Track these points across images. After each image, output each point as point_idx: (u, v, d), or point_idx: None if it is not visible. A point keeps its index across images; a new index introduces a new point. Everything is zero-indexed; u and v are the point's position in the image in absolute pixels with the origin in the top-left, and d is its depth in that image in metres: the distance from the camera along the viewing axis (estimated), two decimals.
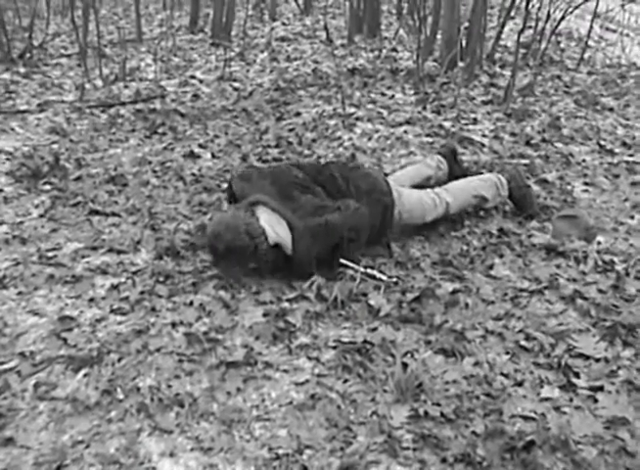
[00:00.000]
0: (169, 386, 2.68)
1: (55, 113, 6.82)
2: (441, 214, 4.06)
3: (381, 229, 3.84)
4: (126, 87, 8.01)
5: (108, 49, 10.25)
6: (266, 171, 3.82)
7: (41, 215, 4.28)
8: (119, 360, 2.85)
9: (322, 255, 3.51)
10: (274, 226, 3.43)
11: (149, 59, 9.61)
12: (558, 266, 3.66)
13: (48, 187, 4.73)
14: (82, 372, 2.77)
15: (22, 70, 8.69)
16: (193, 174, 5.04)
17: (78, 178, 4.91)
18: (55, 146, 5.70)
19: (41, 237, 3.98)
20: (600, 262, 3.68)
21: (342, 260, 3.57)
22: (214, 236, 3.40)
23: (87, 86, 7.89)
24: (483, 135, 5.96)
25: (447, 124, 6.24)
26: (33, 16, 9.41)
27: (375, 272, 3.52)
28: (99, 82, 8.17)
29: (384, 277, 3.49)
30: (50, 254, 3.77)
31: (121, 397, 2.63)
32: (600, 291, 3.40)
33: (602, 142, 5.89)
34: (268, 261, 3.47)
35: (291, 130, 6.12)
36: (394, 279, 3.49)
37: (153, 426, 2.48)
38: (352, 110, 6.65)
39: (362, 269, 3.52)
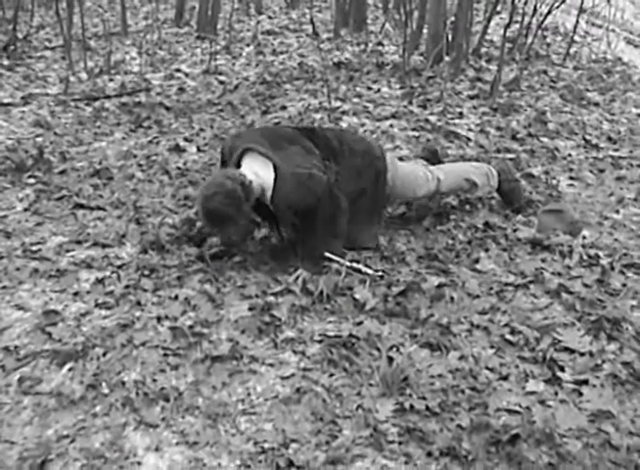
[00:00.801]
0: (154, 380, 2.67)
1: (39, 106, 6.79)
2: (432, 191, 4.07)
3: (374, 196, 3.82)
4: (111, 80, 7.98)
5: (92, 42, 10.20)
6: (257, 128, 3.83)
7: (25, 209, 4.26)
8: (104, 355, 2.83)
9: (301, 218, 3.54)
10: (258, 170, 3.48)
11: (134, 52, 9.58)
12: (543, 260, 3.67)
13: (32, 181, 4.70)
14: (67, 366, 2.76)
15: (5, 62, 8.64)
16: (178, 168, 5.02)
17: (63, 172, 4.88)
18: (39, 139, 5.67)
19: (25, 231, 3.96)
20: (585, 257, 3.69)
21: (328, 254, 3.57)
22: (201, 199, 3.43)
23: (72, 79, 7.86)
24: (469, 129, 5.97)
25: (433, 119, 6.25)
26: (17, 8, 9.34)
27: (360, 266, 3.51)
28: (83, 75, 8.14)
29: (369, 271, 3.49)
30: (34, 247, 3.75)
31: (106, 391, 2.62)
32: (585, 285, 3.41)
33: (587, 137, 5.91)
34: (249, 215, 3.49)
35: (276, 124, 6.10)
36: (380, 273, 3.49)
37: (138, 420, 2.47)
38: (338, 103, 6.64)
39: (348, 263, 3.52)
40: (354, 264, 3.52)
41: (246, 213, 3.45)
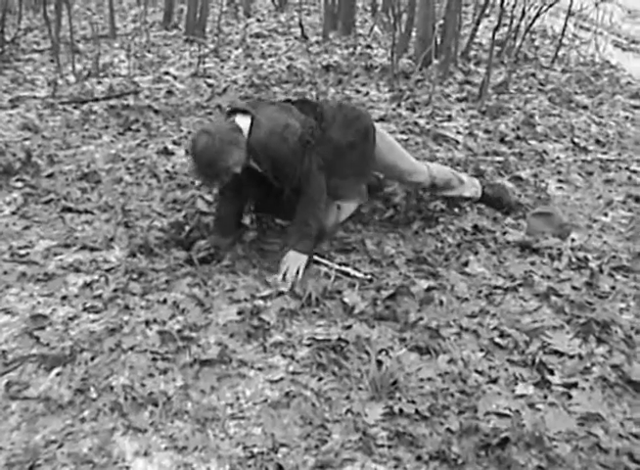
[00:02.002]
0: (143, 384, 2.66)
1: (27, 109, 6.76)
2: (428, 182, 4.10)
3: (363, 152, 3.83)
4: (99, 83, 7.95)
5: (81, 44, 10.17)
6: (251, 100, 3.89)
7: (13, 213, 4.23)
8: (92, 359, 2.82)
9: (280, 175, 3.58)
10: (239, 123, 3.53)
11: (122, 55, 9.55)
12: (532, 263, 3.67)
13: (20, 184, 4.67)
14: (55, 371, 2.74)
15: None
16: (167, 171, 5.01)
17: (51, 175, 4.86)
18: (27, 142, 5.64)
19: (13, 234, 3.94)
20: (574, 259, 3.70)
21: (317, 257, 3.57)
22: (190, 143, 3.50)
23: (60, 82, 7.83)
24: (458, 132, 5.98)
25: (422, 121, 6.26)
26: (5, 10, 9.31)
27: (349, 269, 3.52)
28: (72, 78, 8.11)
29: (358, 274, 3.49)
30: (22, 251, 3.73)
31: (95, 396, 2.61)
32: (574, 288, 3.42)
33: (576, 140, 5.92)
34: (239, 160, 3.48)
35: None
36: (369, 276, 3.49)
37: (126, 425, 2.46)
38: None
39: (337, 266, 3.53)
40: (343, 267, 3.53)
41: (235, 155, 3.44)
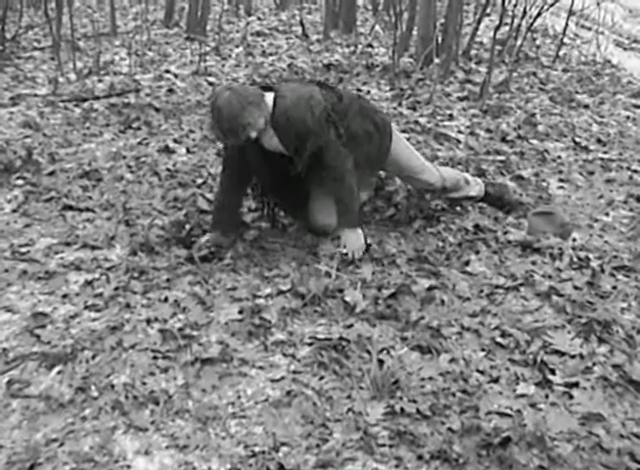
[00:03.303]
0: (144, 383, 2.66)
1: (28, 106, 6.75)
2: (439, 184, 4.10)
3: (379, 145, 3.85)
4: (100, 81, 7.94)
5: (82, 42, 10.17)
6: None
7: (14, 211, 4.23)
8: (94, 357, 2.82)
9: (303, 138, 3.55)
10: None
11: (123, 53, 9.55)
12: (533, 263, 3.67)
13: (21, 182, 4.67)
14: (56, 369, 2.74)
15: None
16: (168, 169, 5.00)
17: (52, 173, 4.85)
18: (28, 140, 5.63)
19: (14, 232, 3.93)
20: (575, 259, 3.70)
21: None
22: (213, 97, 3.46)
23: (61, 80, 7.82)
24: (459, 131, 5.98)
25: (423, 120, 6.26)
26: (6, 8, 9.30)
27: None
28: (72, 76, 8.10)
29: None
30: (23, 249, 3.73)
31: (96, 394, 2.61)
32: (575, 287, 3.42)
33: (577, 139, 5.92)
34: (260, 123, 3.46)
35: None
36: (369, 242, 3.64)
37: (127, 424, 2.46)
38: None
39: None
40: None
41: (255, 115, 3.42)
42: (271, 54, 9.68)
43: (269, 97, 3.54)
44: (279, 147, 3.62)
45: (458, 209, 4.30)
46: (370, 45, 10.05)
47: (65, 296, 3.30)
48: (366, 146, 3.75)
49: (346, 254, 3.61)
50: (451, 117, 6.41)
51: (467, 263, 3.68)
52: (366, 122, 3.76)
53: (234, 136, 3.44)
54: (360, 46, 9.89)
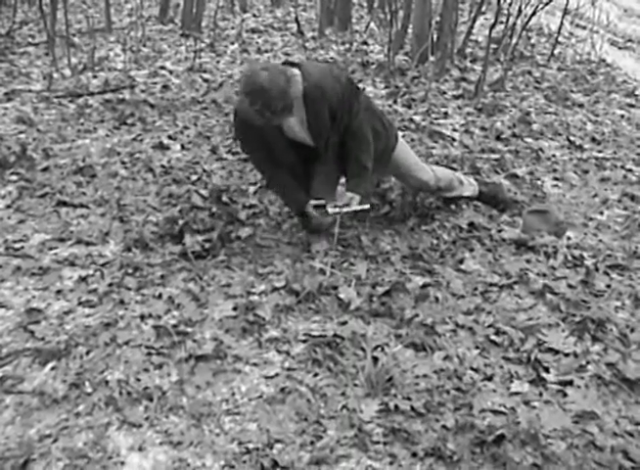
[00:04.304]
0: (138, 379, 2.66)
1: (22, 102, 6.73)
2: (433, 182, 4.07)
3: (385, 143, 3.86)
4: (95, 77, 7.93)
5: (76, 38, 10.14)
6: None
7: (8, 206, 4.22)
8: (87, 353, 2.81)
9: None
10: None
11: (118, 49, 9.52)
12: (528, 261, 3.68)
13: (15, 177, 4.66)
14: (50, 365, 2.73)
15: None
16: (162, 166, 5.00)
17: (46, 169, 4.84)
18: (22, 136, 5.62)
19: (8, 228, 3.92)
20: (569, 257, 3.70)
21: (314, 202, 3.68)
22: (245, 75, 3.40)
23: (55, 76, 7.80)
24: (454, 129, 5.98)
25: (418, 118, 6.26)
26: (0, 3, 9.27)
27: (354, 207, 3.61)
28: (67, 72, 8.08)
29: (359, 208, 3.61)
30: (17, 245, 3.71)
31: (89, 390, 2.60)
32: (569, 286, 3.43)
33: (571, 138, 5.93)
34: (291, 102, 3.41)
35: None
36: (367, 206, 3.63)
37: (121, 420, 2.46)
38: None
39: (345, 209, 3.61)
40: (346, 208, 3.62)
41: (295, 89, 3.40)
42: (266, 51, 9.67)
43: (296, 73, 3.51)
44: (296, 131, 3.63)
45: (452, 207, 4.30)
46: (365, 43, 10.06)
47: (59, 292, 3.29)
48: (374, 143, 3.75)
49: (340, 205, 3.61)
50: (446, 116, 6.41)
51: (461, 261, 3.68)
52: (374, 120, 3.76)
53: (284, 113, 3.41)
54: (355, 44, 9.90)
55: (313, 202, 3.67)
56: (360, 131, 3.63)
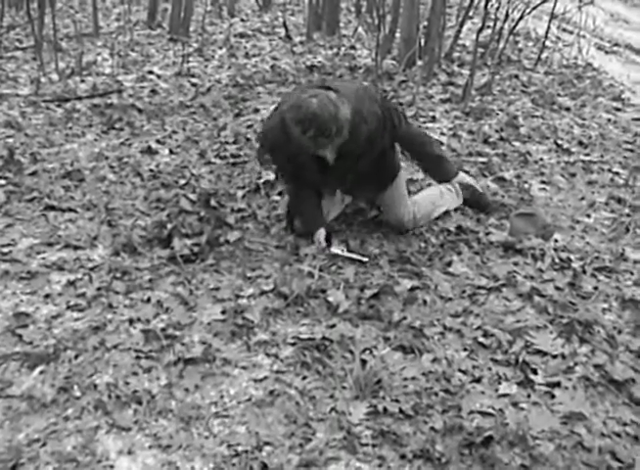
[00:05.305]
0: (127, 383, 2.66)
1: (9, 106, 6.72)
2: (410, 226, 4.05)
3: (390, 163, 3.98)
4: (83, 82, 7.91)
5: (64, 43, 10.11)
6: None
7: None
8: (76, 357, 2.81)
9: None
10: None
11: (106, 53, 9.50)
12: (515, 264, 3.69)
13: (3, 182, 4.64)
14: (38, 369, 2.73)
15: None
16: (150, 170, 5.00)
17: (34, 173, 4.83)
18: (10, 140, 5.61)
19: None
20: (557, 260, 3.72)
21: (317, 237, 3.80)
22: (294, 105, 3.34)
23: (43, 80, 7.79)
24: (442, 133, 5.99)
25: None
26: None
27: (352, 255, 3.68)
28: (55, 76, 8.07)
29: (363, 259, 3.67)
30: (5, 249, 3.71)
31: (78, 394, 2.60)
32: (557, 288, 3.44)
33: (559, 141, 5.94)
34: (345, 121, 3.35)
35: (249, 127, 6.08)
36: (366, 259, 3.66)
37: (110, 423, 2.46)
38: None
39: (347, 254, 3.70)
40: (348, 254, 3.70)
41: (340, 119, 3.29)
42: (254, 55, 9.67)
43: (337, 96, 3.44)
44: (328, 152, 3.57)
45: None
46: (353, 47, 10.06)
47: (47, 296, 3.29)
48: (381, 162, 3.85)
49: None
50: (434, 119, 6.42)
51: (449, 264, 3.69)
52: (384, 141, 3.76)
53: (337, 137, 3.36)
54: (343, 48, 9.90)
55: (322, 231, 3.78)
56: (409, 134, 3.87)
